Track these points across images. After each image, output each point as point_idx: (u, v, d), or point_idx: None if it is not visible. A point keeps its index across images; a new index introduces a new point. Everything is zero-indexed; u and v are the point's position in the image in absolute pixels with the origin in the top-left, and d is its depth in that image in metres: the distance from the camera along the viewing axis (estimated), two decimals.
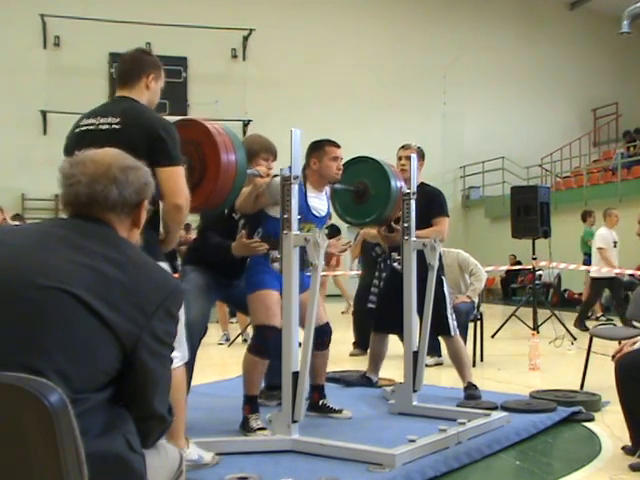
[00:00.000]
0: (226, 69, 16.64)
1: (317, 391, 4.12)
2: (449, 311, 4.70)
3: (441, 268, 4.63)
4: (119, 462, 1.46)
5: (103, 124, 2.86)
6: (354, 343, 7.01)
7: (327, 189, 4.07)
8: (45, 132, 15.23)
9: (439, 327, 4.62)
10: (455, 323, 4.75)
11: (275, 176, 3.66)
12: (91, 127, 2.89)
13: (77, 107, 15.44)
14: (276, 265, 3.55)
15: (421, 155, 4.76)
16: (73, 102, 14.40)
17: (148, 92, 2.99)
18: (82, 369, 1.45)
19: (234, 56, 16.76)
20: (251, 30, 16.40)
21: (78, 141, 2.87)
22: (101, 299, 1.49)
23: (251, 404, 3.71)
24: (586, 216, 10.94)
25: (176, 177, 2.82)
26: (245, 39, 16.65)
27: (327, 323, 4.02)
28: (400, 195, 4.28)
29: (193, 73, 16.00)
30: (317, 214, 3.92)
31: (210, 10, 15.82)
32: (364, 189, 4.31)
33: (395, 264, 4.37)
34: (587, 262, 10.60)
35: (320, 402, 4.11)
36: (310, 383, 4.04)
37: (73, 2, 14.94)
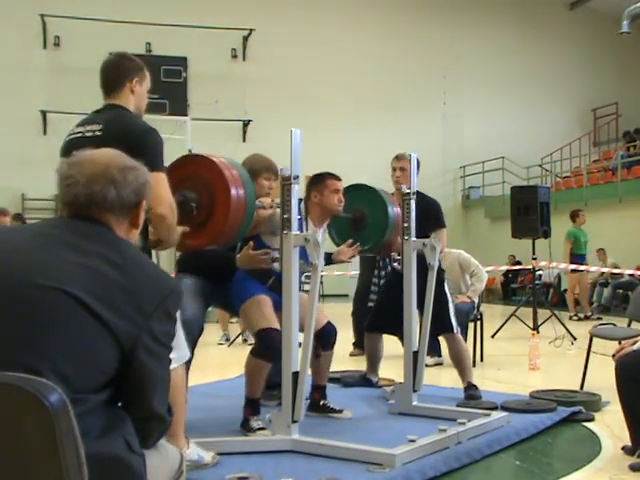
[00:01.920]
0: (226, 69, 16.63)
1: (318, 391, 4.11)
2: (451, 310, 4.71)
3: (441, 269, 4.63)
4: (119, 463, 1.46)
5: (88, 131, 2.89)
6: (354, 343, 7.01)
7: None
8: (45, 132, 15.22)
9: (441, 326, 4.62)
10: (457, 322, 4.75)
11: (278, 207, 3.65)
12: (79, 135, 2.92)
13: (77, 107, 15.44)
14: (276, 265, 3.54)
15: (417, 165, 4.67)
16: (73, 102, 14.40)
17: (134, 96, 2.99)
18: (81, 369, 1.44)
19: (234, 56, 16.75)
20: (251, 30, 16.39)
21: (68, 149, 2.90)
22: (99, 299, 1.48)
23: (253, 406, 3.70)
24: (575, 216, 10.88)
25: (156, 185, 2.72)
26: (245, 39, 16.64)
27: (329, 322, 4.01)
28: (398, 223, 4.28)
29: (193, 73, 15.99)
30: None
31: (210, 10, 15.81)
32: (361, 217, 4.32)
33: (395, 264, 4.38)
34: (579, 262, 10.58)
35: (321, 402, 4.10)
36: (312, 383, 4.05)
37: (73, 2, 14.92)
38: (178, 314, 2.54)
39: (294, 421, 3.35)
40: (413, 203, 4.19)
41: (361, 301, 7.04)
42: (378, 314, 4.89)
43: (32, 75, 15.01)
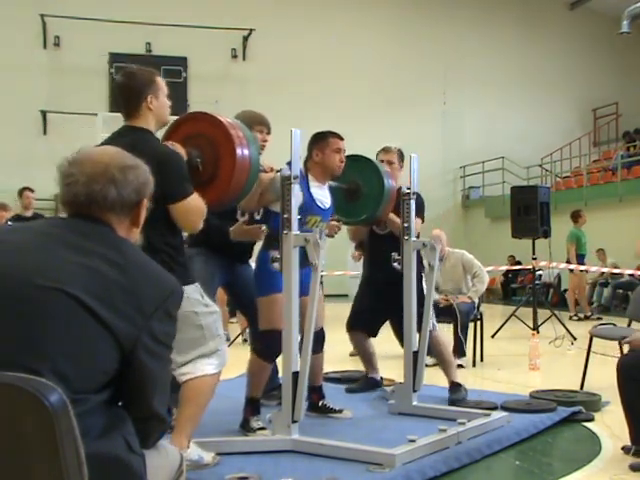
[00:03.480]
0: (226, 69, 16.62)
1: (315, 392, 4.10)
2: (428, 307, 4.51)
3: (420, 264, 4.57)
4: (119, 463, 1.46)
5: None
6: None
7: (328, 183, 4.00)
8: (45, 132, 15.21)
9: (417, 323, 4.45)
10: (434, 320, 4.58)
11: (279, 171, 3.63)
12: None
13: (77, 107, 15.52)
14: (276, 265, 3.52)
15: (402, 157, 4.71)
16: (73, 102, 14.45)
17: (152, 113, 2.99)
18: (81, 369, 1.44)
19: (234, 56, 16.75)
20: (251, 30, 16.39)
21: None
22: (100, 299, 1.48)
23: (253, 406, 3.70)
24: (577, 217, 10.83)
25: (187, 211, 2.87)
26: (245, 39, 16.64)
27: (322, 329, 3.98)
28: (392, 194, 4.25)
29: (193, 73, 15.99)
30: (322, 206, 3.85)
31: (210, 10, 15.81)
32: (356, 188, 4.27)
33: (395, 264, 4.37)
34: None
35: (320, 403, 4.10)
36: (307, 384, 4.02)
37: (73, 2, 14.92)
38: (219, 326, 2.60)
39: (294, 421, 3.35)
40: (413, 203, 4.18)
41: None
42: (353, 314, 4.87)
43: (32, 75, 15.01)
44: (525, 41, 18.52)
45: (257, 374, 3.68)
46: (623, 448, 3.41)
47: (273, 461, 3.20)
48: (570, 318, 10.35)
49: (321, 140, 3.90)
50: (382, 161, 4.62)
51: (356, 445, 3.32)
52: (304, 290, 3.50)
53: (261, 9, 16.31)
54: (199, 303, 2.99)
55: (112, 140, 2.99)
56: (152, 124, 3.00)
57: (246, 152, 3.09)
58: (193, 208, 2.88)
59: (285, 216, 3.36)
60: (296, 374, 3.35)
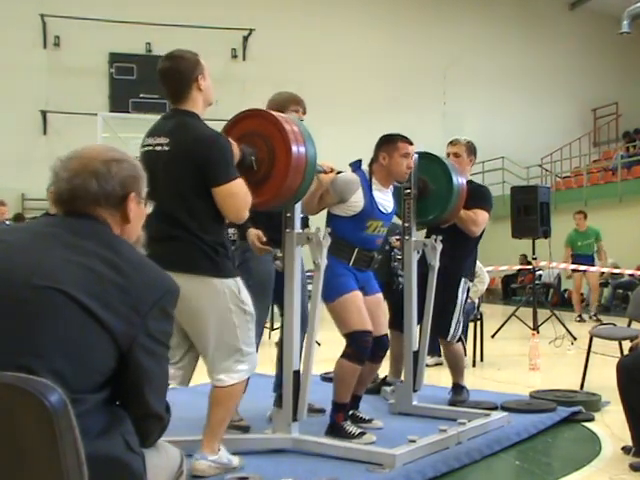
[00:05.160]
0: (226, 69, 16.61)
1: (352, 401, 3.81)
2: (455, 317, 4.41)
3: (469, 271, 4.53)
4: (118, 463, 1.46)
5: (157, 145, 2.89)
6: None
7: (392, 187, 3.88)
8: (45, 132, 15.20)
9: (436, 328, 4.37)
10: (458, 332, 4.47)
11: (339, 172, 3.58)
12: (150, 148, 2.92)
13: (77, 107, 15.52)
14: (278, 263, 3.48)
15: (472, 150, 4.56)
16: (73, 102, 14.44)
17: (202, 93, 2.97)
18: (78, 369, 1.44)
19: (234, 56, 16.75)
20: (251, 30, 16.38)
21: (144, 161, 2.91)
22: (97, 299, 1.48)
23: (344, 411, 3.61)
24: (574, 217, 10.76)
25: (232, 195, 2.82)
26: (245, 39, 16.63)
27: (386, 335, 3.83)
28: (462, 193, 4.11)
29: None
30: (384, 211, 3.72)
31: (210, 10, 15.79)
32: (424, 186, 4.12)
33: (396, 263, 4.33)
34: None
35: (351, 412, 3.87)
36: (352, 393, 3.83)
37: (73, 2, 14.90)
38: (252, 328, 2.64)
39: (295, 420, 3.35)
40: (412, 203, 4.15)
41: None
42: (394, 312, 4.60)
43: (32, 75, 14.99)
44: (525, 41, 18.51)
45: (348, 378, 3.56)
46: (623, 448, 3.41)
47: (273, 461, 3.20)
48: (578, 320, 10.23)
49: (389, 143, 3.75)
50: (448, 154, 4.48)
51: (356, 445, 3.32)
52: (370, 289, 3.57)
53: (261, 9, 16.30)
54: (235, 297, 2.91)
55: (157, 125, 2.99)
56: (201, 106, 2.96)
57: (302, 149, 3.04)
58: (238, 193, 2.82)
59: (288, 215, 3.32)
60: (297, 373, 3.35)
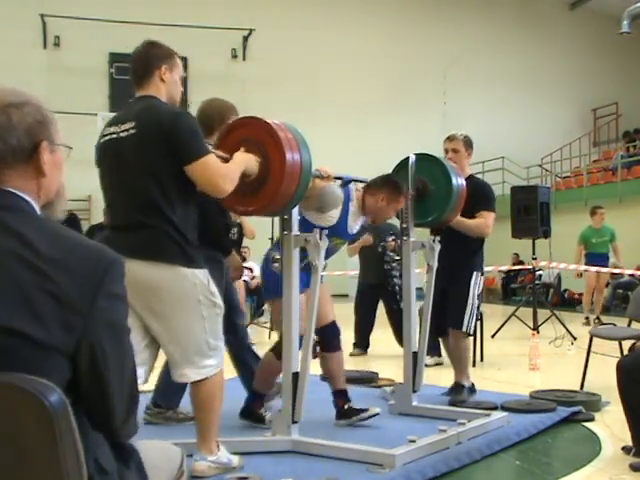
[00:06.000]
0: (226, 69, 16.63)
1: (339, 396, 3.90)
2: (468, 310, 4.44)
3: (480, 265, 4.58)
4: None
5: (122, 131, 2.83)
6: (354, 344, 7.01)
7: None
8: None
9: (451, 320, 4.41)
10: (472, 324, 4.50)
11: (337, 178, 3.61)
12: (114, 136, 2.86)
13: (77, 107, 15.52)
14: (276, 265, 3.50)
15: (469, 144, 4.60)
16: (73, 102, 14.44)
17: (165, 85, 2.92)
18: None
19: (234, 56, 16.77)
20: (251, 30, 16.40)
21: (105, 151, 2.89)
22: (28, 320, 1.27)
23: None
24: (592, 214, 10.25)
25: (206, 170, 2.73)
26: (245, 39, 16.65)
27: (333, 322, 3.87)
28: (462, 193, 4.12)
29: (193, 73, 15.97)
30: (350, 232, 3.91)
31: (210, 10, 15.81)
32: (423, 187, 4.13)
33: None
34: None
35: (346, 407, 3.88)
36: (331, 390, 3.93)
37: (73, 2, 14.92)
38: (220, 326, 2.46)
39: (294, 422, 3.35)
40: (410, 204, 4.14)
41: (364, 302, 7.03)
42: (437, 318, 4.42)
43: (32, 75, 14.99)
44: (525, 41, 18.53)
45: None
46: (623, 448, 3.41)
47: (273, 461, 3.20)
48: (586, 323, 9.82)
49: (395, 193, 3.85)
50: (447, 150, 4.50)
51: (356, 445, 3.32)
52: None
53: (261, 9, 16.32)
54: (205, 289, 2.83)
55: (121, 114, 2.95)
56: (163, 97, 2.90)
57: (297, 156, 3.04)
58: (212, 167, 2.74)
59: (285, 217, 3.33)
60: (296, 374, 3.35)
